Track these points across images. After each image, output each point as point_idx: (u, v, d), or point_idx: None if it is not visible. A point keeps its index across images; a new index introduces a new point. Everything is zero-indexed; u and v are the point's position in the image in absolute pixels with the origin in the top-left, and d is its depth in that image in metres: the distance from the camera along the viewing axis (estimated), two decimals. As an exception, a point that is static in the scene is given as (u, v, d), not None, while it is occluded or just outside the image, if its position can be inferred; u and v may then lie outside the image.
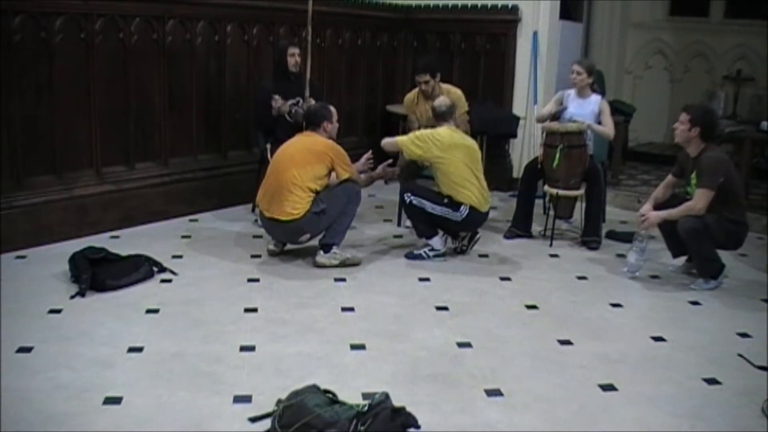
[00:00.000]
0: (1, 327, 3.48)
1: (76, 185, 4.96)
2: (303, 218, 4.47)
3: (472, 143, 4.88)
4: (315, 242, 4.70)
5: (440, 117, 4.86)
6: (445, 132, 4.76)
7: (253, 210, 5.76)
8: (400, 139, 4.85)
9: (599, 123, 5.33)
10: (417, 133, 4.83)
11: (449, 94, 5.32)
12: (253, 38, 5.99)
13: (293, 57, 5.43)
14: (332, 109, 4.77)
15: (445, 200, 4.74)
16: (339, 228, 4.64)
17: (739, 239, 4.48)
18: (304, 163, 4.51)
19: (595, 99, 5.41)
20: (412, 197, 4.75)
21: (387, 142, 4.90)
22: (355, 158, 4.92)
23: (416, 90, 5.55)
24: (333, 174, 4.63)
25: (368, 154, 4.95)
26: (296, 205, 4.46)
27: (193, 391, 3.01)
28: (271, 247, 4.79)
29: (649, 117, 8.59)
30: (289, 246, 4.81)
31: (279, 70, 5.54)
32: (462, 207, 4.73)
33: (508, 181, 6.77)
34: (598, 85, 6.56)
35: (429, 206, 4.74)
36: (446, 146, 4.69)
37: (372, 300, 4.11)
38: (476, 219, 4.84)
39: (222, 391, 3.01)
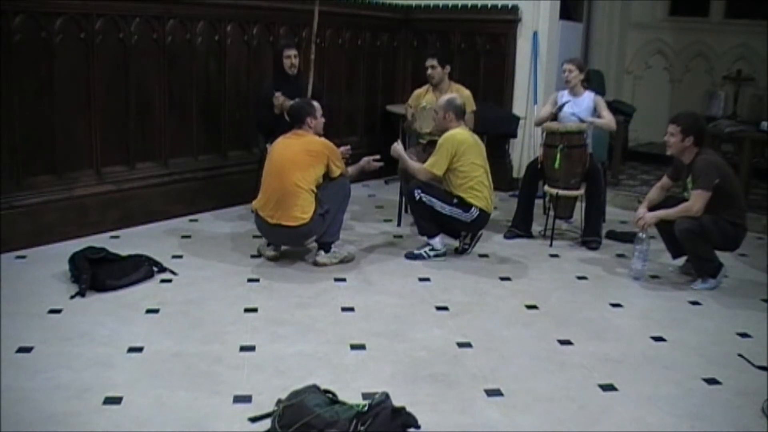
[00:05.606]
0: (1, 327, 3.48)
1: (76, 185, 4.96)
2: (312, 221, 4.45)
3: (480, 142, 4.88)
4: (313, 242, 4.70)
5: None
6: (465, 133, 4.74)
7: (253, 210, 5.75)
8: (426, 166, 4.73)
9: (597, 117, 5.35)
10: (438, 153, 4.71)
11: (458, 93, 5.33)
12: (253, 38, 5.99)
13: (289, 59, 5.40)
14: (315, 104, 4.71)
15: (455, 200, 4.72)
16: (336, 226, 4.66)
17: (736, 241, 4.47)
18: (306, 165, 4.48)
19: (588, 95, 5.45)
20: (422, 194, 4.71)
21: (422, 174, 4.77)
22: (356, 159, 4.97)
23: (427, 86, 5.58)
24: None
25: (346, 148, 4.91)
26: (305, 209, 4.42)
27: (193, 391, 3.01)
28: (270, 253, 4.68)
29: (649, 117, 8.58)
30: (285, 246, 4.79)
31: (277, 71, 5.52)
32: (473, 209, 4.71)
33: (508, 181, 6.76)
34: (597, 85, 6.57)
35: (439, 205, 4.71)
36: (469, 146, 4.68)
37: (372, 300, 4.11)
38: (483, 220, 4.84)
39: (222, 391, 3.01)
